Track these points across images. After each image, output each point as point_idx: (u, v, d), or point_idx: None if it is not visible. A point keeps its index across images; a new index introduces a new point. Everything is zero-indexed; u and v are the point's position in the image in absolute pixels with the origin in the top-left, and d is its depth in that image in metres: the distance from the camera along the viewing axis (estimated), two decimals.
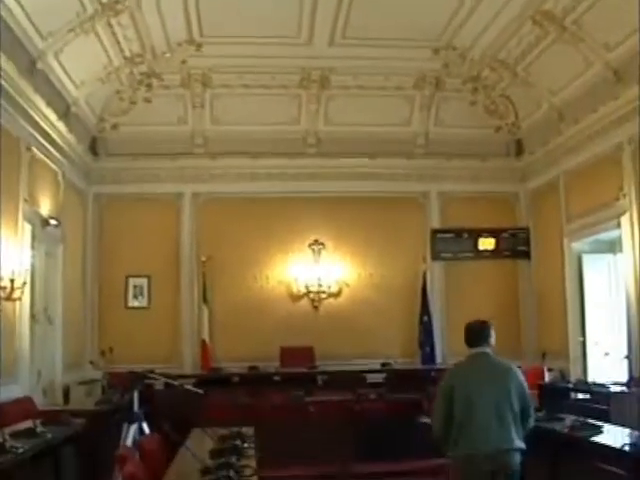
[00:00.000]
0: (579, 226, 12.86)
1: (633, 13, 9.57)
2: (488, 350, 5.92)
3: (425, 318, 14.35)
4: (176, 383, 9.01)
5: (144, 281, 14.25)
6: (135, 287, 14.23)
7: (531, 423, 5.84)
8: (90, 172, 14.16)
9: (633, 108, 10.62)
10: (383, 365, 13.45)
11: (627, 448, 5.60)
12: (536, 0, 10.91)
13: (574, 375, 12.53)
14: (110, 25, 11.19)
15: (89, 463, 7.78)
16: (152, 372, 9.40)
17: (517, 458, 5.63)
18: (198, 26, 12.05)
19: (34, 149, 10.86)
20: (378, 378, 13.09)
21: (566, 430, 6.60)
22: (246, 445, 5.94)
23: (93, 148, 14.19)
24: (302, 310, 14.53)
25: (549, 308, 14.02)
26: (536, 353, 13.58)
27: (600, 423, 6.70)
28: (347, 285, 14.72)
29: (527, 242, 14.95)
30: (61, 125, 11.82)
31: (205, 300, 14.13)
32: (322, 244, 14.72)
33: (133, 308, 14.23)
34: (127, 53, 12.39)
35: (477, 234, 14.94)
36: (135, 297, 14.24)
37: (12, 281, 9.36)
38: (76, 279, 13.34)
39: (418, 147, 14.96)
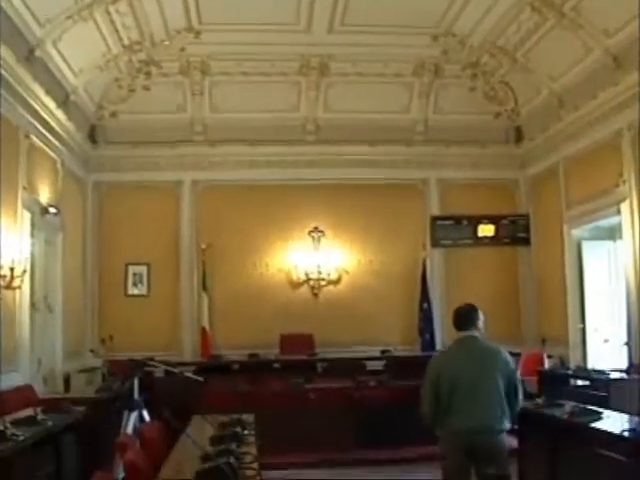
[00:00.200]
0: (579, 213, 12.85)
1: None
2: (476, 334, 5.97)
3: (425, 305, 14.36)
4: (176, 370, 9.04)
5: (144, 269, 14.26)
6: (135, 275, 14.24)
7: (519, 405, 5.94)
8: (89, 160, 14.16)
9: (633, 94, 10.60)
10: (383, 352, 13.44)
11: (627, 434, 5.61)
12: None
13: (574, 362, 12.53)
14: (108, 13, 11.16)
15: (90, 451, 7.78)
16: (152, 360, 9.42)
17: (502, 438, 5.75)
18: (197, 13, 12.03)
19: (33, 137, 10.85)
20: (378, 365, 13.07)
21: (566, 416, 6.61)
22: (246, 432, 5.95)
23: (92, 136, 14.18)
24: (302, 297, 14.55)
25: (549, 295, 14.03)
26: (536, 340, 13.58)
27: (600, 409, 6.70)
28: (347, 272, 14.73)
29: (527, 229, 14.96)
30: (60, 113, 11.80)
31: (205, 288, 14.14)
32: (322, 231, 14.72)
33: (133, 296, 14.24)
34: (126, 41, 12.36)
35: (477, 221, 14.94)
36: (135, 285, 14.25)
37: (12, 269, 9.37)
38: (76, 267, 13.35)
39: (417, 134, 14.95)
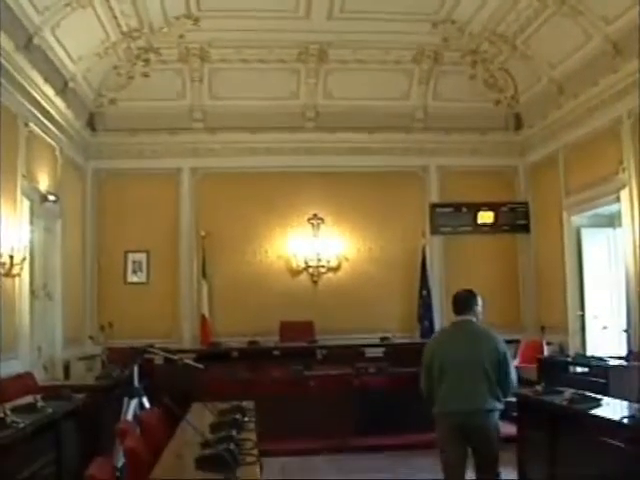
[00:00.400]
0: (578, 200, 12.84)
1: None
2: (472, 318, 6.19)
3: (424, 292, 14.38)
4: (176, 358, 9.04)
5: (143, 256, 14.26)
6: (134, 262, 14.24)
7: (511, 388, 6.13)
8: (88, 147, 14.14)
9: (633, 81, 10.59)
10: (382, 339, 13.45)
11: (626, 421, 5.61)
12: None
13: (573, 349, 12.56)
14: None
15: (90, 438, 7.80)
16: (152, 347, 9.42)
17: (490, 418, 5.96)
18: (195, 0, 11.99)
19: (32, 125, 10.84)
20: (377, 352, 13.09)
21: (565, 403, 6.61)
22: (246, 419, 5.96)
23: (91, 123, 14.15)
24: (301, 285, 14.56)
25: (548, 282, 14.04)
26: (535, 327, 13.60)
27: (599, 396, 6.71)
28: (346, 259, 14.73)
29: (526, 216, 14.95)
30: (59, 101, 11.78)
31: (204, 275, 14.15)
32: (321, 219, 14.72)
33: (132, 283, 14.25)
34: (124, 28, 12.32)
35: (476, 208, 14.93)
36: (134, 272, 14.25)
37: (11, 257, 9.38)
38: (75, 255, 13.34)
39: (417, 121, 14.92)
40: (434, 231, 14.92)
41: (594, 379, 9.59)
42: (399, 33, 13.13)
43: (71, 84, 12.37)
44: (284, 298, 14.10)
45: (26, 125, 10.56)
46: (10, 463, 5.63)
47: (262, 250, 14.54)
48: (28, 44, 10.25)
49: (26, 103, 10.51)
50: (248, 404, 6.86)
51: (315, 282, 14.57)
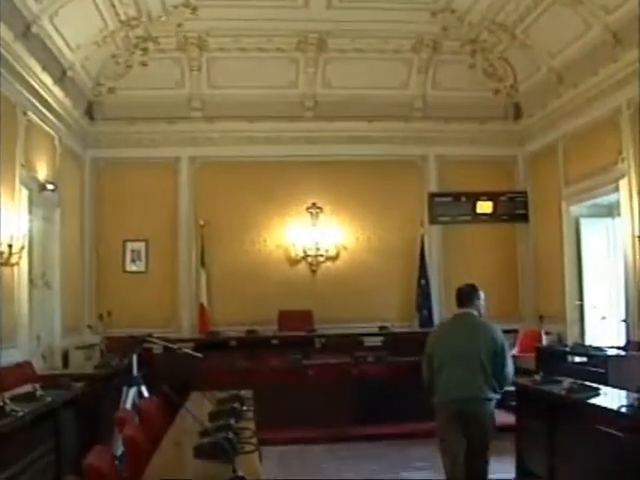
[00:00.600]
0: (577, 190, 12.84)
1: None
2: (473, 311, 6.34)
3: (423, 281, 14.39)
4: (175, 347, 9.06)
5: (142, 245, 14.25)
6: (133, 251, 14.24)
7: (507, 379, 6.21)
8: (87, 136, 14.12)
9: (632, 71, 10.57)
10: (381, 328, 13.47)
11: (624, 410, 5.63)
12: None
13: (571, 338, 12.57)
14: None
15: (89, 426, 7.81)
16: (151, 336, 9.44)
17: (486, 406, 6.08)
18: None
19: (30, 114, 10.81)
20: (376, 341, 13.12)
21: (563, 392, 6.63)
22: (245, 408, 5.97)
23: (89, 112, 14.12)
24: (300, 274, 14.55)
25: (547, 272, 14.04)
26: (534, 316, 13.64)
27: (597, 386, 6.72)
28: (345, 249, 14.73)
29: (525, 206, 14.95)
30: (57, 89, 11.76)
31: (203, 264, 14.15)
32: (320, 208, 14.70)
33: (131, 272, 14.24)
34: (123, 16, 12.29)
35: (475, 198, 14.92)
36: (133, 261, 14.24)
37: (10, 246, 9.38)
38: (74, 243, 13.34)
39: (416, 110, 14.90)
40: (433, 220, 14.90)
41: (593, 369, 9.62)
42: (398, 22, 13.09)
43: (69, 73, 12.33)
44: (283, 287, 14.09)
45: (25, 114, 10.54)
46: (9, 451, 5.64)
47: (261, 239, 14.53)
48: (26, 32, 10.22)
49: (24, 92, 10.49)
50: (247, 393, 6.88)
51: (314, 271, 14.56)
